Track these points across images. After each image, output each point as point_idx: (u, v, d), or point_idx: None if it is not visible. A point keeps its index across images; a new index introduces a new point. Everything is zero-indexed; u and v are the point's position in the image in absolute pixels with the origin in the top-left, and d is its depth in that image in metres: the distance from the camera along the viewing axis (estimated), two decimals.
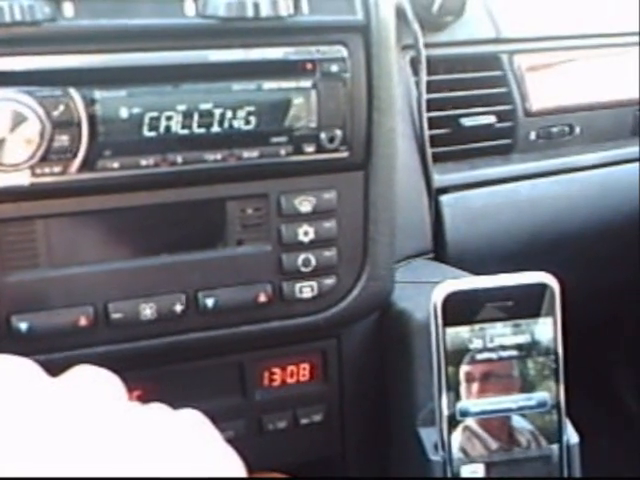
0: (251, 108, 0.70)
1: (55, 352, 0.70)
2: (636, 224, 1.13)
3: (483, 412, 0.69)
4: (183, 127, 0.69)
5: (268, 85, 0.71)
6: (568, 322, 0.71)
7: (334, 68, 0.73)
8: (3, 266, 0.68)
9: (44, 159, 0.65)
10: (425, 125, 0.98)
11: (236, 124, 0.70)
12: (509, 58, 1.06)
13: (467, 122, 1.03)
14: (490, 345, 0.68)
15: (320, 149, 0.74)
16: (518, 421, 0.69)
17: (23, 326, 0.69)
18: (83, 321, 0.71)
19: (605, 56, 1.14)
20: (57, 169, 0.66)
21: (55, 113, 0.65)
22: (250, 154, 0.71)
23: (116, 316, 0.72)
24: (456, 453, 0.69)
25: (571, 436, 0.71)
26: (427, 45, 0.98)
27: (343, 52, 0.73)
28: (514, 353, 0.69)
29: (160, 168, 0.69)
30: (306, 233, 0.76)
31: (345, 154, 0.75)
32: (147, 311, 0.72)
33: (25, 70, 0.64)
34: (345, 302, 0.80)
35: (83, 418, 0.37)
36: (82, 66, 0.66)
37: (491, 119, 1.04)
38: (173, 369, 0.81)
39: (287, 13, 0.70)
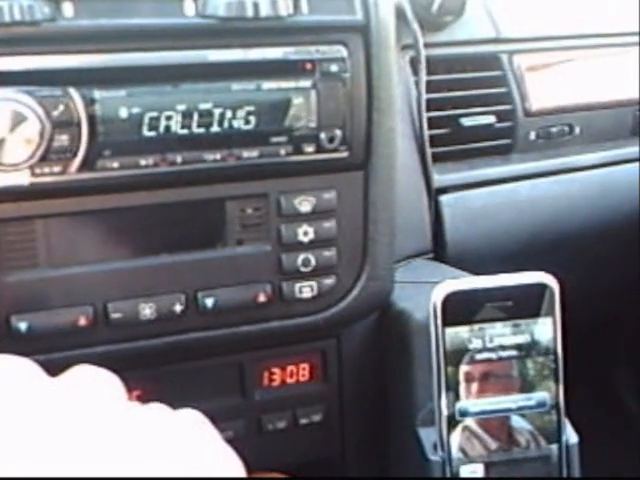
0: (251, 108, 0.70)
1: (55, 352, 0.70)
2: (636, 224, 1.13)
3: (482, 412, 0.69)
4: (183, 127, 0.69)
5: (268, 85, 0.71)
6: (568, 322, 0.71)
7: (334, 68, 0.73)
8: (3, 266, 0.68)
9: (44, 159, 0.65)
10: (425, 125, 0.98)
11: (236, 124, 0.70)
12: (509, 58, 1.06)
13: (467, 122, 1.03)
14: (490, 345, 0.68)
15: (320, 149, 0.74)
16: (517, 421, 0.69)
17: (23, 326, 0.69)
18: (83, 321, 0.71)
19: (604, 56, 1.14)
20: (57, 169, 0.66)
21: (55, 113, 0.65)
22: (250, 154, 0.71)
23: (116, 316, 0.72)
24: (455, 453, 0.69)
25: (570, 436, 0.71)
26: (427, 45, 0.98)
27: (343, 52, 0.73)
28: (513, 353, 0.69)
29: (160, 168, 0.69)
30: (306, 233, 0.76)
31: (345, 154, 0.75)
32: (147, 311, 0.72)
33: (25, 70, 0.64)
34: (345, 302, 0.80)
35: (83, 418, 0.37)
36: (82, 66, 0.66)
37: (491, 119, 1.04)
38: (173, 369, 0.81)
39: (287, 13, 0.70)
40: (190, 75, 0.69)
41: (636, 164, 1.14)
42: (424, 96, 0.98)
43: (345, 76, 0.73)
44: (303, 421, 0.87)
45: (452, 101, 1.03)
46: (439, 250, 0.99)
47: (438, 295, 0.67)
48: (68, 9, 0.65)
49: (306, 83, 0.72)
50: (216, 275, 0.75)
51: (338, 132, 0.74)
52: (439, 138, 1.00)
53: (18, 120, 0.63)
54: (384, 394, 0.88)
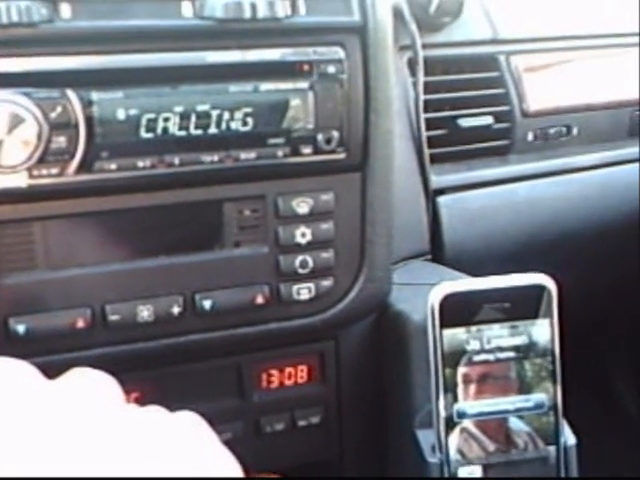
0: (248, 109, 0.70)
1: (53, 354, 0.70)
2: (635, 225, 1.13)
3: (480, 414, 0.69)
4: (180, 128, 0.69)
5: (265, 86, 0.71)
6: (566, 323, 0.71)
7: (331, 69, 0.73)
8: (0, 268, 0.68)
9: (41, 161, 0.65)
10: (422, 126, 0.98)
11: (233, 125, 0.70)
12: (506, 59, 1.06)
13: (464, 123, 1.03)
14: (487, 347, 0.68)
15: (317, 150, 0.74)
16: (515, 423, 0.69)
17: (20, 328, 0.69)
18: (80, 323, 0.71)
19: (602, 57, 1.14)
20: (54, 171, 0.66)
21: (52, 115, 0.64)
22: (247, 155, 0.71)
23: (113, 318, 0.72)
24: (453, 455, 0.69)
25: (568, 437, 0.71)
26: (424, 46, 0.98)
27: (340, 53, 0.73)
28: (511, 355, 0.69)
29: (157, 170, 0.69)
30: (303, 235, 0.76)
31: (342, 155, 0.75)
32: (144, 313, 0.72)
33: (22, 71, 0.64)
34: (342, 304, 0.80)
35: (80, 421, 0.37)
36: (79, 67, 0.66)
37: (488, 120, 1.04)
38: (170, 371, 0.80)
39: (284, 14, 0.70)
40: (188, 77, 0.69)
41: (635, 165, 1.14)
42: (422, 97, 0.98)
43: (342, 77, 0.73)
44: (301, 423, 0.86)
45: (450, 102, 1.03)
46: (437, 251, 0.99)
47: (436, 297, 0.67)
48: (65, 10, 0.65)
49: (303, 84, 0.72)
50: (214, 277, 0.74)
51: (335, 133, 0.74)
52: (437, 139, 1.00)
53: (16, 122, 0.63)
54: (382, 396, 0.88)
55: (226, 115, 0.70)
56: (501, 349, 0.69)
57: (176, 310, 0.73)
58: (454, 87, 1.03)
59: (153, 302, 0.73)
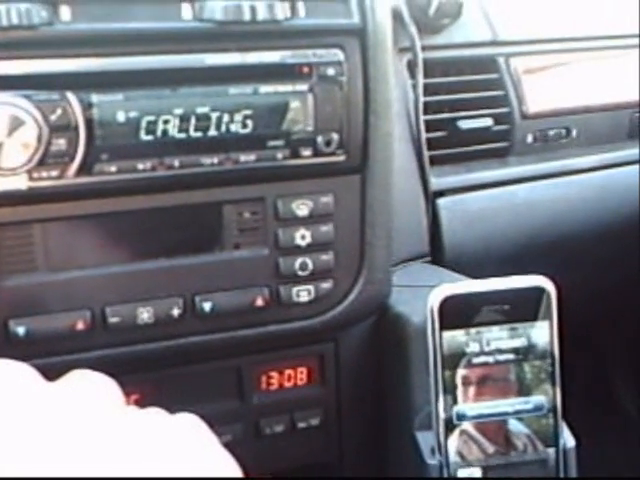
0: (248, 112, 0.70)
1: (52, 356, 0.70)
2: (635, 227, 1.13)
3: (480, 416, 0.69)
4: (180, 131, 0.69)
5: (265, 89, 0.71)
6: (566, 325, 0.71)
7: (331, 71, 0.73)
8: (1, 270, 0.68)
9: (41, 163, 0.65)
10: (422, 128, 0.98)
11: (233, 128, 0.70)
12: (506, 61, 1.06)
13: (464, 125, 1.03)
14: (487, 349, 0.68)
15: (317, 153, 0.74)
16: (515, 425, 0.69)
17: (21, 330, 0.69)
18: (80, 325, 0.71)
19: (601, 59, 1.14)
20: (54, 173, 0.66)
21: (52, 117, 0.65)
22: (247, 158, 0.71)
23: (113, 320, 0.72)
24: (453, 457, 0.69)
25: (567, 440, 0.71)
26: (424, 48, 0.98)
27: (340, 55, 0.73)
28: (511, 357, 0.69)
29: (157, 172, 0.69)
30: (303, 237, 0.76)
31: (342, 158, 0.75)
32: (144, 315, 0.72)
33: (22, 74, 0.64)
34: (342, 306, 0.80)
35: (80, 422, 0.37)
36: (79, 70, 0.66)
37: (488, 122, 1.04)
38: (170, 373, 0.80)
39: (284, 16, 0.70)
40: (187, 79, 0.69)
41: (635, 167, 1.14)
42: (421, 99, 0.98)
43: (342, 79, 0.73)
44: (301, 425, 0.86)
45: (449, 104, 1.03)
46: (436, 253, 0.99)
47: (435, 299, 0.67)
48: (65, 13, 0.65)
49: (303, 87, 0.72)
50: (214, 279, 0.75)
51: (335, 136, 0.74)
52: (436, 141, 1.00)
53: (16, 124, 0.63)
54: (382, 398, 0.88)
55: (226, 117, 0.70)
56: (500, 351, 0.69)
57: (176, 312, 0.73)
58: (453, 89, 1.03)
59: (153, 304, 0.73)
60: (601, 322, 1.45)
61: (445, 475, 0.69)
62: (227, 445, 0.40)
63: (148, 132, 0.68)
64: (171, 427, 0.39)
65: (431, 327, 0.67)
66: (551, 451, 0.70)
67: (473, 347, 0.68)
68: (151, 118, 0.68)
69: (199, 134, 0.69)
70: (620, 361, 1.56)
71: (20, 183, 0.65)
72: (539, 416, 0.70)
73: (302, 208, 0.75)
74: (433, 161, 0.99)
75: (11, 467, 0.34)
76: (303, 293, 0.77)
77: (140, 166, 0.69)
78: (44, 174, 0.66)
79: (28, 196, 0.66)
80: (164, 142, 0.69)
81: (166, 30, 0.68)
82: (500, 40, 1.06)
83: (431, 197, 0.99)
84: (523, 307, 0.69)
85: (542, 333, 0.69)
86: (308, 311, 0.79)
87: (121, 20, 0.67)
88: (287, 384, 0.86)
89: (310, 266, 0.77)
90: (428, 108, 0.99)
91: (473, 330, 0.68)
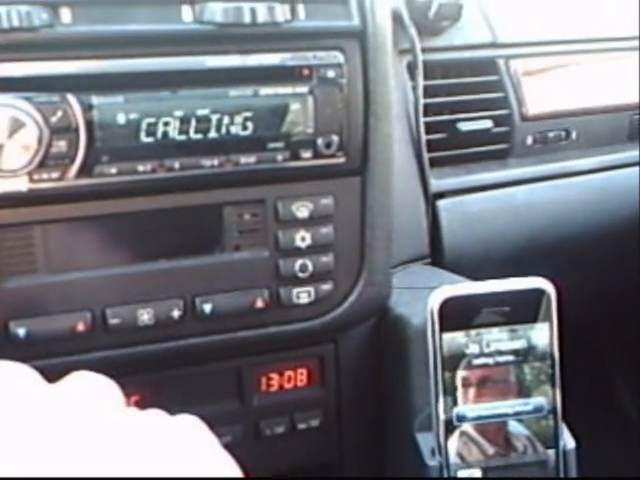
0: (248, 114, 0.70)
1: (53, 357, 0.70)
2: (635, 228, 1.13)
3: (480, 417, 0.69)
4: (180, 133, 0.69)
5: (265, 91, 0.71)
6: (565, 327, 0.71)
7: (331, 74, 0.73)
8: (1, 272, 0.68)
9: (42, 165, 0.65)
10: (422, 130, 0.98)
11: (233, 130, 0.70)
12: (505, 63, 1.06)
13: (464, 127, 1.03)
14: (487, 350, 0.68)
15: (317, 155, 0.74)
16: (515, 426, 0.69)
17: (21, 332, 0.69)
18: (81, 326, 0.71)
19: (601, 60, 1.14)
20: (55, 175, 0.66)
21: (53, 119, 0.65)
22: (247, 160, 0.72)
23: (114, 321, 0.72)
24: (453, 458, 0.69)
25: (567, 441, 0.71)
26: (424, 50, 0.98)
27: (340, 58, 0.73)
28: (511, 358, 0.69)
29: (157, 174, 0.69)
30: (303, 239, 0.76)
31: (342, 160, 0.75)
32: (145, 316, 0.72)
33: (23, 76, 0.64)
34: (342, 307, 0.80)
35: (81, 424, 0.37)
36: (79, 72, 0.66)
37: (488, 124, 1.05)
38: (171, 374, 0.80)
39: (284, 19, 0.70)
40: (187, 81, 0.69)
41: (635, 168, 1.14)
42: (421, 101, 0.98)
43: (342, 82, 0.73)
44: (301, 426, 0.87)
45: (449, 106, 1.03)
46: (436, 255, 0.99)
47: (435, 300, 0.67)
48: (66, 15, 0.65)
49: (303, 89, 0.72)
50: (214, 281, 0.75)
51: (335, 138, 0.74)
52: (436, 143, 1.01)
53: (16, 126, 0.63)
54: (382, 399, 0.88)
55: (226, 119, 0.70)
56: (500, 353, 0.69)
57: (176, 314, 0.73)
58: (453, 91, 1.03)
59: (153, 306, 0.73)
60: (601, 324, 1.45)
61: (445, 476, 0.69)
62: (227, 446, 0.40)
63: (148, 134, 0.68)
64: (171, 428, 0.39)
65: (431, 329, 0.68)
66: (551, 452, 0.70)
67: (473, 349, 0.68)
68: (151, 120, 0.68)
69: (199, 136, 0.70)
70: (620, 362, 1.56)
71: (20, 185, 0.66)
72: (539, 417, 0.70)
73: (302, 210, 0.75)
74: (433, 163, 0.99)
75: (12, 467, 0.34)
76: (303, 295, 0.77)
77: (140, 168, 0.69)
78: (44, 176, 0.66)
79: (28, 198, 0.66)
80: (164, 144, 0.69)
81: (166, 32, 0.68)
82: (500, 42, 1.06)
83: (431, 199, 0.99)
84: (523, 309, 0.69)
85: (542, 335, 0.69)
86: (308, 313, 0.79)
87: (121, 22, 0.67)
88: (287, 385, 0.86)
89: (310, 268, 0.77)
90: (428, 110, 0.99)
91: (473, 332, 0.68)
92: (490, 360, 0.69)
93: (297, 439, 0.87)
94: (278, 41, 0.71)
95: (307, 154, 0.73)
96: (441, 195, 1.00)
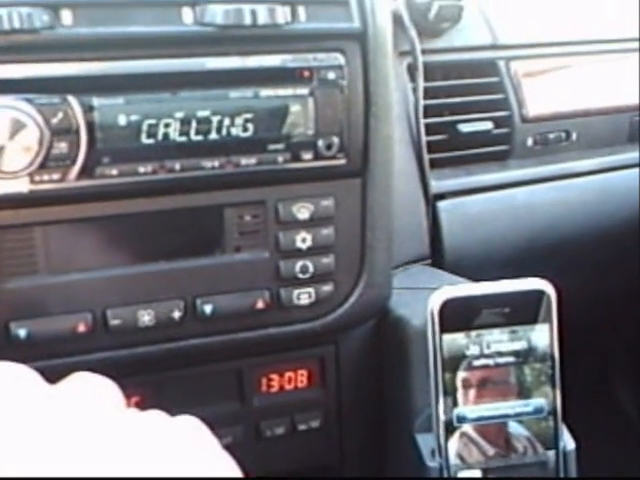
0: (248, 115, 0.71)
1: (54, 358, 0.70)
2: (635, 230, 1.13)
3: (480, 418, 0.69)
4: (181, 134, 0.69)
5: (265, 92, 0.71)
6: (566, 328, 0.71)
7: (331, 75, 0.73)
8: (2, 273, 0.68)
9: (43, 166, 0.65)
10: (422, 131, 0.98)
11: (234, 131, 0.70)
12: (506, 64, 1.06)
13: (464, 128, 1.03)
14: (487, 351, 0.68)
15: (317, 156, 0.74)
16: (515, 427, 0.69)
17: (22, 332, 0.69)
18: (82, 327, 0.71)
19: (601, 62, 1.14)
20: (56, 176, 0.66)
21: (54, 120, 0.65)
22: (248, 161, 0.72)
23: (114, 322, 0.72)
24: (453, 459, 0.69)
25: (567, 442, 0.72)
26: (424, 51, 0.99)
27: (340, 59, 0.73)
28: (511, 359, 0.69)
29: (158, 175, 0.69)
30: (304, 240, 0.76)
31: (342, 161, 0.75)
32: (145, 317, 0.72)
33: (24, 78, 0.64)
34: (343, 309, 0.80)
35: (81, 425, 0.37)
36: (80, 74, 0.66)
37: (488, 125, 1.05)
38: (171, 375, 0.81)
39: (284, 21, 0.70)
40: (188, 83, 0.69)
41: (635, 170, 1.14)
42: (421, 102, 0.98)
43: (342, 83, 0.73)
44: (301, 427, 0.87)
45: (449, 107, 1.03)
46: (437, 256, 0.99)
47: (435, 301, 0.67)
48: (67, 17, 0.65)
49: (304, 90, 0.72)
50: (214, 282, 0.75)
51: (336, 139, 0.74)
52: (436, 144, 1.01)
53: (17, 128, 0.63)
54: (382, 400, 0.88)
55: (226, 121, 0.70)
56: (501, 354, 0.69)
57: (177, 315, 0.73)
58: (454, 92, 1.03)
59: (154, 307, 0.73)
60: (601, 324, 1.45)
61: (445, 477, 0.69)
62: (228, 447, 0.40)
63: (149, 135, 0.68)
64: (172, 429, 0.39)
65: (431, 330, 0.68)
66: (551, 453, 0.70)
67: (473, 350, 0.68)
68: (152, 121, 0.68)
69: (200, 137, 0.70)
70: (620, 363, 1.56)
71: (21, 186, 0.66)
72: (539, 419, 0.70)
73: (303, 211, 0.75)
74: (433, 164, 0.99)
75: (13, 468, 0.34)
76: (304, 296, 0.78)
77: (141, 169, 0.69)
78: (45, 177, 0.66)
79: (29, 199, 0.67)
80: (165, 145, 0.69)
81: (167, 34, 0.68)
82: (500, 44, 1.06)
83: (431, 200, 0.99)
84: (523, 310, 0.69)
85: (542, 336, 0.69)
86: (309, 314, 0.79)
87: (122, 24, 0.67)
88: (288, 386, 0.86)
89: (311, 269, 0.77)
90: (428, 111, 0.99)
91: (473, 333, 0.68)
92: (490, 361, 0.69)
93: (297, 440, 0.87)
94: (279, 43, 0.72)
95: (308, 155, 0.73)
96: (441, 196, 1.00)
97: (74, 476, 0.34)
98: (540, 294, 0.69)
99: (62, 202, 0.68)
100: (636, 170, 1.14)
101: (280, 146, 0.72)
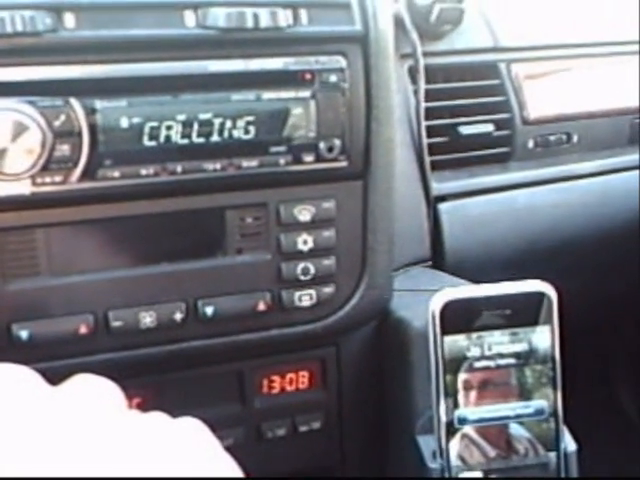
0: (250, 118, 0.71)
1: (55, 360, 0.70)
2: (635, 232, 1.14)
3: (481, 420, 0.69)
4: (183, 137, 0.69)
5: (267, 95, 0.71)
6: (566, 330, 0.71)
7: (333, 78, 0.73)
8: (4, 274, 0.69)
9: (45, 168, 0.66)
10: (423, 133, 0.98)
11: (235, 134, 0.71)
12: (507, 67, 1.06)
13: (465, 130, 1.03)
14: (488, 353, 0.68)
15: (319, 158, 0.74)
16: (516, 429, 0.69)
17: (24, 334, 0.69)
18: (83, 329, 0.71)
19: (602, 64, 1.14)
20: (58, 178, 0.66)
21: (56, 123, 0.65)
22: (249, 163, 0.72)
23: (116, 324, 0.72)
24: (454, 461, 0.69)
25: (569, 444, 0.71)
26: (425, 54, 0.99)
27: (342, 62, 0.73)
28: (512, 361, 0.69)
29: (160, 177, 0.70)
30: (305, 242, 0.76)
31: (344, 163, 0.76)
32: (147, 319, 0.73)
33: (26, 80, 0.64)
34: (344, 310, 0.81)
35: (83, 426, 0.37)
36: (83, 76, 0.66)
37: (489, 127, 1.05)
38: (173, 377, 0.81)
39: (286, 24, 0.70)
40: (190, 85, 0.69)
41: (635, 172, 1.14)
42: (423, 105, 0.98)
43: (344, 86, 0.74)
44: (302, 429, 0.87)
45: (450, 110, 1.03)
46: (438, 258, 0.99)
47: (437, 303, 0.67)
48: (69, 20, 0.65)
49: (305, 93, 0.72)
50: (216, 284, 0.75)
51: (337, 142, 0.74)
52: (438, 146, 1.01)
53: (20, 130, 0.63)
54: (383, 402, 0.88)
55: (228, 123, 0.70)
56: (501, 356, 0.69)
57: (178, 316, 0.74)
58: (455, 95, 1.03)
59: (156, 308, 0.73)
60: (602, 326, 1.45)
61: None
62: (229, 449, 0.40)
63: (151, 138, 0.68)
64: (173, 431, 0.39)
65: (432, 331, 0.68)
66: (552, 455, 0.70)
67: (474, 351, 0.68)
68: (154, 124, 0.68)
69: (202, 140, 0.70)
70: (621, 364, 1.56)
71: (23, 188, 0.66)
72: (540, 420, 0.70)
73: (304, 213, 0.76)
74: (434, 166, 0.99)
75: (14, 468, 0.34)
76: (305, 298, 0.78)
77: (143, 171, 0.69)
78: (47, 179, 0.66)
79: (31, 201, 0.67)
80: (167, 148, 0.69)
81: (169, 37, 0.69)
82: (501, 46, 1.07)
83: (432, 202, 0.99)
84: (524, 312, 0.69)
85: (543, 337, 0.69)
86: (310, 315, 0.79)
87: (125, 27, 0.67)
88: (289, 388, 0.86)
89: (312, 271, 0.77)
90: (429, 114, 0.99)
91: (474, 334, 0.68)
92: (491, 363, 0.69)
93: (298, 441, 0.87)
94: (281, 46, 0.72)
95: (309, 158, 0.74)
96: (442, 198, 1.00)
97: (76, 476, 0.34)
98: (541, 296, 0.69)
99: (64, 204, 0.69)
100: (636, 172, 1.14)
101: (282, 148, 0.72)
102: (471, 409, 0.69)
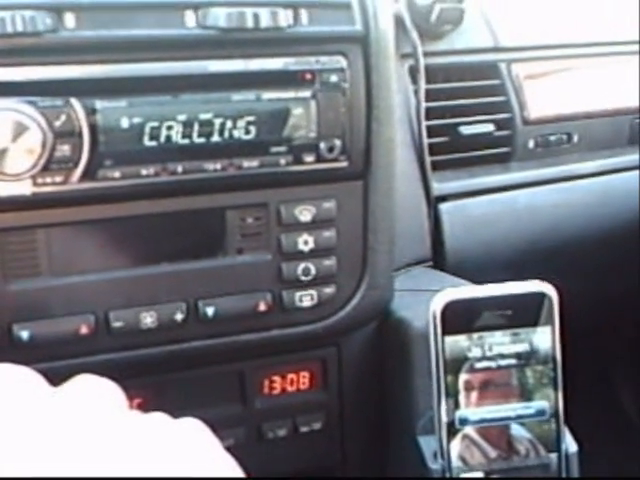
0: (251, 118, 0.71)
1: (56, 360, 0.70)
2: (635, 232, 1.14)
3: (482, 420, 0.69)
4: (183, 137, 0.69)
5: (268, 95, 0.71)
6: (567, 330, 0.71)
7: (333, 78, 0.73)
8: (5, 275, 0.69)
9: (45, 169, 0.66)
10: (424, 133, 0.98)
11: (236, 134, 0.71)
12: (507, 67, 1.07)
13: (466, 130, 1.03)
14: (489, 354, 0.68)
15: (319, 159, 0.74)
16: (517, 430, 0.69)
17: (24, 335, 0.69)
18: (84, 329, 0.71)
19: (602, 64, 1.14)
20: (58, 179, 0.66)
21: (56, 123, 0.65)
22: (250, 164, 0.72)
23: (117, 324, 0.72)
24: (455, 461, 0.69)
25: (570, 445, 0.71)
26: (426, 54, 0.99)
27: (342, 62, 0.73)
28: (513, 362, 0.69)
29: (161, 177, 0.70)
30: (306, 242, 0.76)
31: (344, 164, 0.75)
32: (148, 319, 0.73)
33: (27, 80, 0.64)
34: (344, 311, 0.81)
35: (83, 427, 0.37)
36: (83, 76, 0.66)
37: (489, 127, 1.05)
38: (173, 377, 0.81)
39: (286, 24, 0.70)
40: (191, 85, 0.69)
41: (635, 172, 1.14)
42: (423, 105, 0.98)
43: (344, 86, 0.74)
44: (303, 429, 0.87)
45: (451, 110, 1.03)
46: (438, 258, 0.99)
47: (437, 304, 0.67)
48: (70, 20, 0.65)
49: (306, 93, 0.72)
50: (217, 284, 0.75)
51: (338, 142, 0.74)
52: (438, 146, 1.01)
53: (20, 130, 0.63)
54: (384, 402, 0.88)
55: (229, 123, 0.70)
56: (502, 356, 0.69)
57: (179, 317, 0.74)
58: (455, 95, 1.03)
59: (156, 309, 0.73)
60: (603, 326, 1.45)
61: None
62: (230, 449, 0.40)
63: (152, 138, 0.68)
64: (174, 431, 0.39)
65: (433, 332, 0.68)
66: (553, 456, 0.70)
67: (475, 352, 0.68)
68: (154, 124, 0.68)
69: (202, 140, 0.70)
70: (622, 365, 1.56)
71: (24, 188, 0.66)
72: (541, 421, 0.70)
73: (305, 214, 0.76)
74: (435, 166, 0.99)
75: (15, 468, 0.34)
76: (306, 298, 0.78)
77: (143, 172, 0.69)
78: (48, 180, 0.66)
79: (32, 201, 0.67)
80: (167, 148, 0.69)
81: (170, 37, 0.69)
82: (501, 46, 1.07)
83: (433, 202, 0.99)
84: (525, 312, 0.69)
85: (544, 338, 0.69)
86: (311, 316, 0.79)
87: (125, 27, 0.67)
88: (290, 388, 0.86)
89: (313, 271, 0.77)
90: (430, 114, 0.99)
91: (475, 335, 0.68)
92: (492, 363, 0.69)
93: (299, 442, 0.87)
94: (281, 46, 0.72)
95: (310, 158, 0.74)
96: (443, 198, 1.00)
97: (76, 476, 0.34)
98: (542, 296, 0.69)
99: (64, 204, 0.69)
100: (636, 172, 1.14)
101: (282, 149, 0.72)
102: (472, 410, 0.69)
